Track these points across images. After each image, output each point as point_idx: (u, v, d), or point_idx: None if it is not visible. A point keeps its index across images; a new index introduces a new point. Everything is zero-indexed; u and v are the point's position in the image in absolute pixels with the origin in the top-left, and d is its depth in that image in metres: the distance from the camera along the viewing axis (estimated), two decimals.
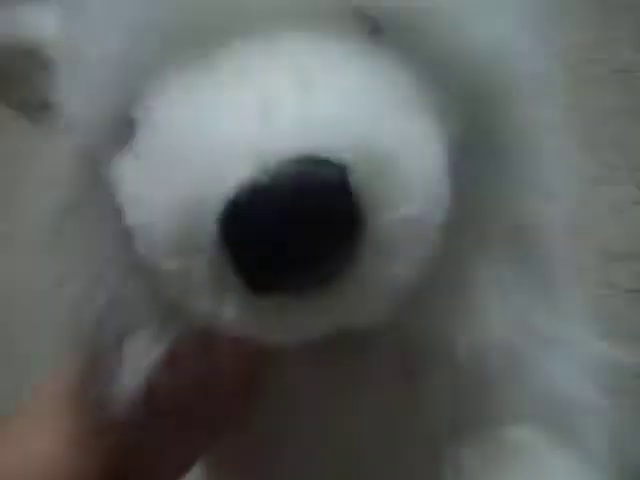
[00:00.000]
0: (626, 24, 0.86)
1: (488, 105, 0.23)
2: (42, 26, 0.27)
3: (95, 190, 0.24)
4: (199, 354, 0.24)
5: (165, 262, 0.21)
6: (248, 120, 0.19)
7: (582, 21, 0.88)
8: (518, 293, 0.26)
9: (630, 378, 0.31)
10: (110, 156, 0.23)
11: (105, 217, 0.24)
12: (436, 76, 0.22)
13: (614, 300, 0.71)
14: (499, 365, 0.27)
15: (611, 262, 0.73)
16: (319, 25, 0.21)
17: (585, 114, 0.82)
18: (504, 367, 0.27)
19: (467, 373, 0.26)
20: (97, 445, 0.29)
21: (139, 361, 0.24)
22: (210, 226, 0.19)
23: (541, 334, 0.28)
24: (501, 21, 0.23)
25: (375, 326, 0.22)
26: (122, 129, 0.23)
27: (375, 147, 0.19)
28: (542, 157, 0.26)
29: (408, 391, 0.27)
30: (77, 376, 0.29)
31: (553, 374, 0.28)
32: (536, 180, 0.26)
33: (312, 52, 0.20)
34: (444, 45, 0.22)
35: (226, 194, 0.18)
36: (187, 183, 0.19)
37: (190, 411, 0.26)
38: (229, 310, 0.20)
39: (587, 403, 0.28)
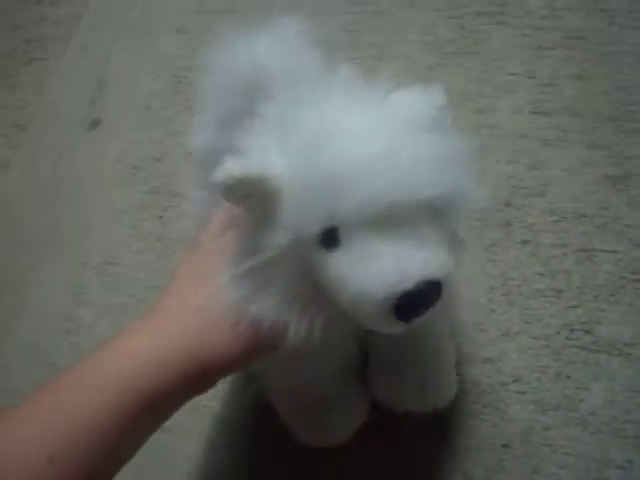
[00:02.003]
0: None
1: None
2: (271, 165, 0.45)
3: (295, 259, 0.46)
4: None
5: (368, 310, 0.44)
6: (408, 263, 0.43)
7: None
8: None
9: None
10: (316, 248, 0.45)
11: (292, 269, 0.47)
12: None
13: (565, 259, 0.73)
14: None
15: (562, 222, 0.75)
16: (409, 212, 0.44)
17: (538, 80, 0.84)
18: None
19: None
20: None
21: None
22: (396, 298, 0.42)
23: None
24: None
25: None
26: (327, 237, 0.44)
27: (445, 275, 0.44)
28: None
29: None
30: None
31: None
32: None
33: (427, 229, 0.45)
34: (451, 209, 0.47)
35: (407, 287, 0.42)
36: (382, 282, 0.42)
37: None
38: (390, 327, 0.46)
39: None
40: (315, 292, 0.47)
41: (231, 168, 0.44)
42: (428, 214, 0.45)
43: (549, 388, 0.69)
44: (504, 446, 0.68)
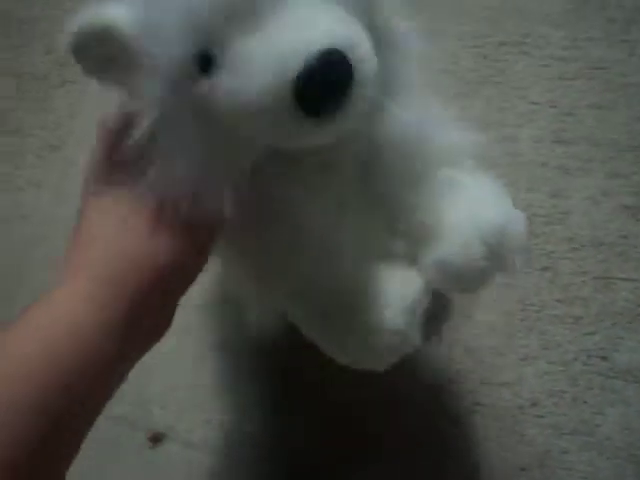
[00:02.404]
0: (599, 23, 0.89)
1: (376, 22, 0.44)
2: (117, 13, 0.42)
3: (181, 103, 0.41)
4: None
5: (263, 99, 0.38)
6: (297, 34, 0.38)
7: (556, 20, 0.91)
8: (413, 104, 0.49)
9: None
10: (194, 79, 0.40)
11: (188, 118, 0.42)
12: (358, 11, 0.41)
13: (584, 286, 0.75)
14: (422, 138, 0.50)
15: (581, 250, 0.76)
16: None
17: (559, 109, 0.86)
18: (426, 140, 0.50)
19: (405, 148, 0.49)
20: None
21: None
22: (291, 80, 0.36)
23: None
24: None
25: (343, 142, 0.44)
26: (202, 61, 0.39)
27: (357, 48, 0.38)
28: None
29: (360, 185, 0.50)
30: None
31: (451, 138, 0.53)
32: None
33: (315, 10, 0.39)
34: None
35: (299, 64, 0.36)
36: (274, 62, 0.37)
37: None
38: (295, 125, 0.39)
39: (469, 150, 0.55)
40: (218, 144, 0.43)
41: (74, 24, 0.41)
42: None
43: (566, 413, 0.70)
44: (522, 469, 0.69)
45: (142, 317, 0.45)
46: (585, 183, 0.80)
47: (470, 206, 0.50)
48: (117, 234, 0.46)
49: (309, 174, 0.48)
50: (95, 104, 1.10)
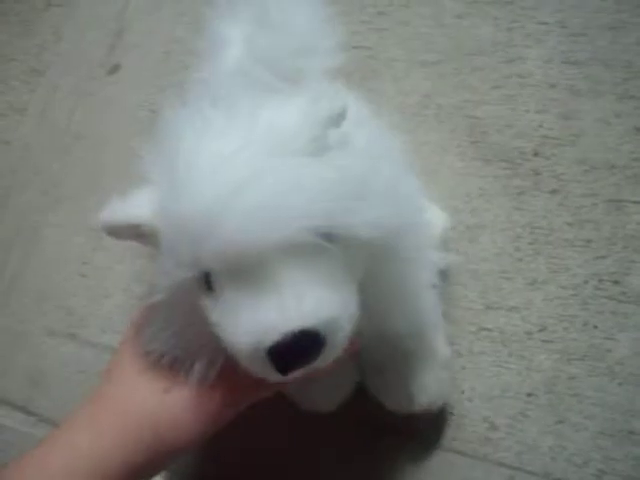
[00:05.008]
0: None
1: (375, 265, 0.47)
2: (141, 210, 0.45)
3: (184, 297, 0.45)
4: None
5: (246, 361, 0.43)
6: (278, 312, 0.40)
7: None
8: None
9: None
10: (198, 290, 0.44)
11: (190, 309, 0.46)
12: (354, 256, 0.44)
13: (595, 209, 0.72)
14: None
15: (592, 172, 0.73)
16: (295, 250, 0.41)
17: (570, 30, 0.82)
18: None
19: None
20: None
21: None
22: (264, 352, 0.40)
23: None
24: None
25: None
26: (206, 280, 0.43)
27: (330, 326, 0.41)
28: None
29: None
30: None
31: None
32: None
33: (296, 273, 0.41)
34: (358, 243, 0.43)
35: (271, 341, 0.40)
36: (245, 338, 0.41)
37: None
38: (270, 377, 0.43)
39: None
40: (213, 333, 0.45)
41: (105, 216, 0.46)
42: (313, 250, 0.42)
43: (576, 338, 0.68)
44: (529, 395, 0.67)
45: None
46: (597, 105, 0.77)
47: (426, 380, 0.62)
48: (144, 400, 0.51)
49: None
50: (80, 28, 1.05)
